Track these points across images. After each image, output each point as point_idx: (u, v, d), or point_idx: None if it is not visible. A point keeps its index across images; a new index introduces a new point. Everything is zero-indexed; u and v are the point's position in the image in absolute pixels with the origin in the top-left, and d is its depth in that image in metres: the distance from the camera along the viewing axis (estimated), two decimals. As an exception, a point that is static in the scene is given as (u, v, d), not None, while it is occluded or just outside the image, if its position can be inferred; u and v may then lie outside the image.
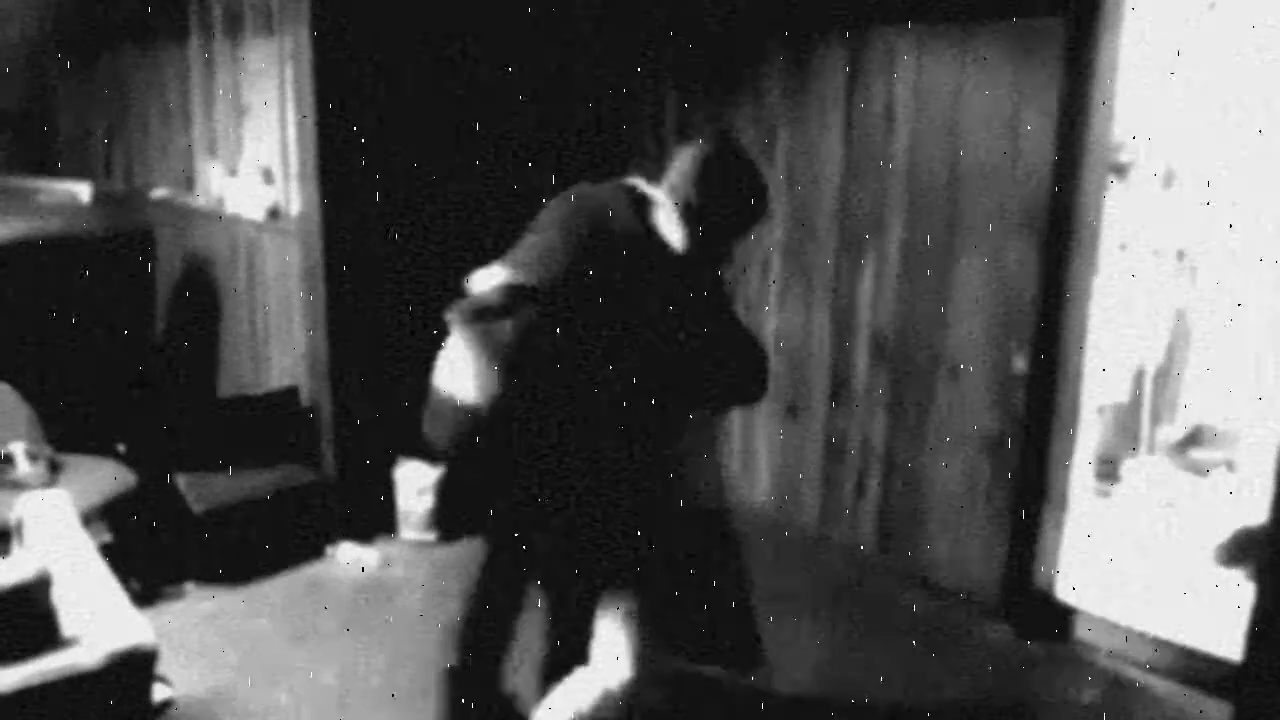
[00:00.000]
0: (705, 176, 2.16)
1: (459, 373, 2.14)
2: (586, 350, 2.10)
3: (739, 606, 2.41)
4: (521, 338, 2.06)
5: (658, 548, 2.26)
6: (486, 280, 2.14)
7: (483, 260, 2.31)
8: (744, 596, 2.43)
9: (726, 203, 2.18)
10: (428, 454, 3.61)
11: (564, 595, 2.40)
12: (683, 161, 2.19)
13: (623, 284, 2.12)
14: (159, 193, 4.56)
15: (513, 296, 2.08)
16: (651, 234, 2.17)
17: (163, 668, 2.51)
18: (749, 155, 2.25)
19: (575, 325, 2.09)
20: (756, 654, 2.45)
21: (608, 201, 2.23)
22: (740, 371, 2.31)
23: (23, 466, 3.09)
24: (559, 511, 2.24)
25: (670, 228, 2.18)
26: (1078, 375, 3.09)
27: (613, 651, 2.21)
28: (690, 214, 2.16)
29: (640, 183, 2.27)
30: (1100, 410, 4.05)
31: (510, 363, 2.06)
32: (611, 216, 2.18)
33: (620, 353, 2.12)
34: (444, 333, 2.26)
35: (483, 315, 2.09)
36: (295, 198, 3.71)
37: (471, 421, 2.12)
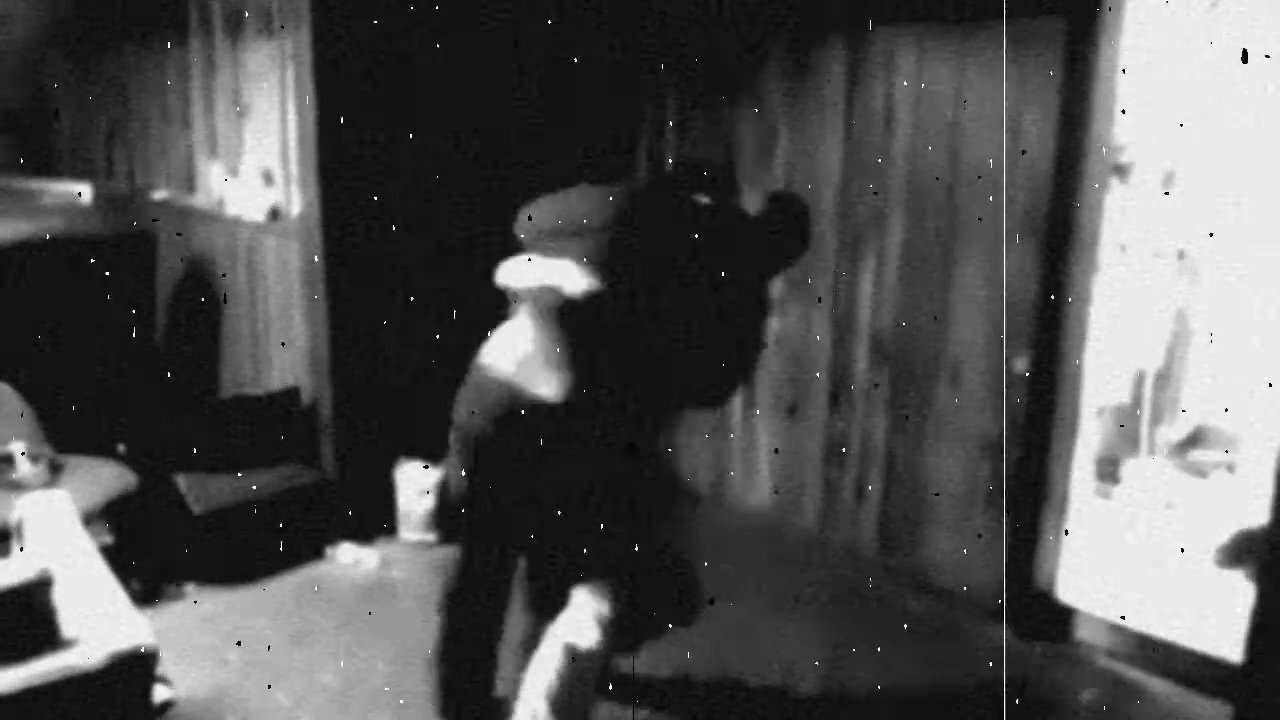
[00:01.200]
0: (772, 216, 2.42)
1: (529, 363, 2.22)
2: (643, 345, 2.21)
3: (682, 561, 2.51)
4: (604, 337, 2.19)
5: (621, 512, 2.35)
6: (567, 278, 2.19)
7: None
8: (686, 552, 2.54)
9: (790, 240, 2.46)
10: (429, 453, 3.63)
11: (552, 584, 2.44)
12: (750, 200, 2.45)
13: (681, 285, 2.24)
14: (160, 194, 4.56)
15: (599, 299, 2.17)
16: (709, 237, 2.30)
17: (163, 668, 2.51)
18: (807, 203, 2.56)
19: (641, 323, 2.21)
20: (697, 607, 2.53)
21: (667, 203, 2.37)
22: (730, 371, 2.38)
23: (23, 467, 3.09)
24: (577, 499, 2.29)
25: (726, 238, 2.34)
26: (1078, 376, 3.09)
27: (580, 615, 2.30)
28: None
29: (702, 197, 2.42)
30: (1100, 411, 4.05)
31: (588, 359, 2.18)
32: (674, 219, 2.32)
33: (668, 346, 2.23)
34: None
35: (567, 312, 2.18)
36: (296, 199, 3.71)
37: (531, 408, 2.20)
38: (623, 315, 2.19)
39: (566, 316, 2.19)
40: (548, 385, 2.19)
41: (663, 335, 2.21)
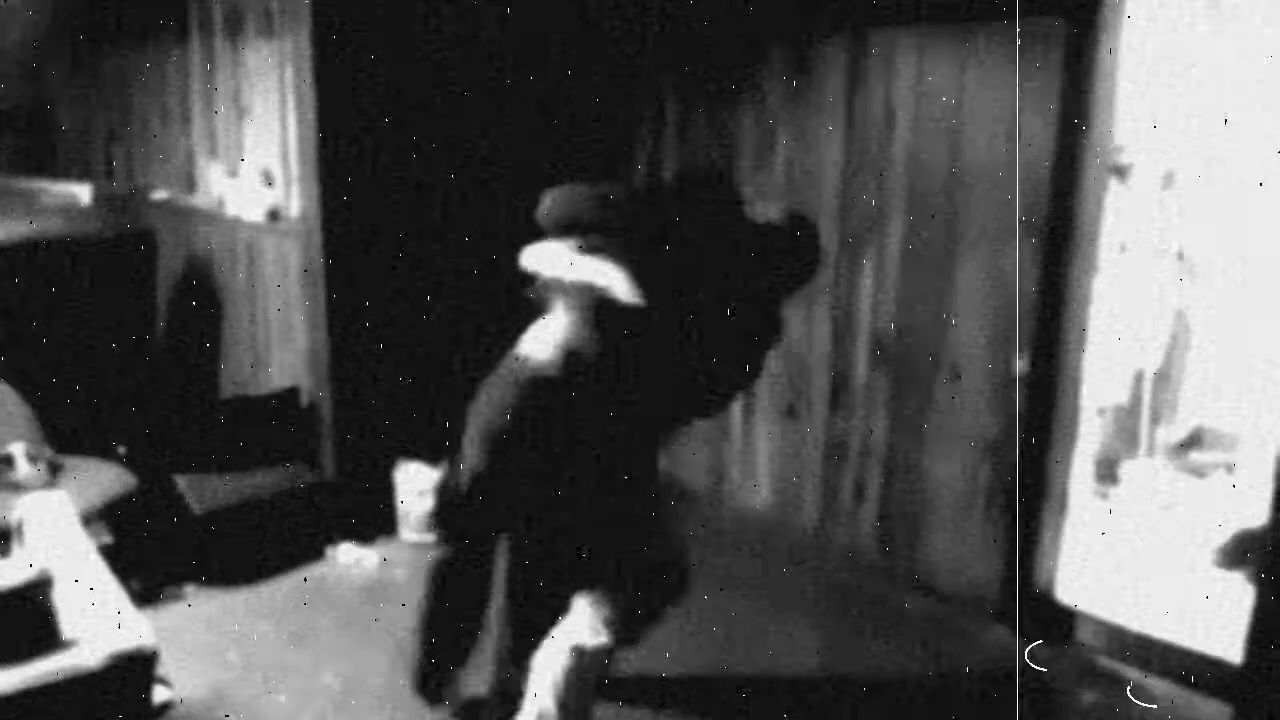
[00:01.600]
0: (783, 236, 2.39)
1: (566, 358, 2.21)
2: (669, 351, 2.22)
3: (671, 546, 2.55)
4: (639, 339, 2.19)
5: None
6: (609, 279, 2.18)
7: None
8: (674, 536, 2.60)
9: (802, 262, 2.45)
10: (429, 453, 3.63)
11: (546, 585, 2.45)
12: (758, 210, 2.40)
13: (706, 292, 2.23)
14: (159, 194, 4.56)
15: (641, 304, 2.16)
16: (731, 245, 2.29)
17: (163, 669, 2.51)
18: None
19: (670, 329, 2.21)
20: (686, 586, 2.55)
21: (692, 208, 2.35)
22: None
23: (23, 468, 3.09)
24: (585, 498, 2.31)
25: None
26: (1077, 377, 3.09)
27: (585, 619, 2.33)
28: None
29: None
30: (1100, 412, 4.05)
31: (623, 359, 2.20)
32: (700, 225, 2.29)
33: (688, 353, 2.24)
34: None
35: (604, 312, 2.18)
36: (296, 199, 3.71)
37: (564, 404, 2.21)
38: (657, 320, 2.18)
39: (604, 316, 2.18)
40: (582, 382, 2.20)
41: (685, 342, 2.21)
